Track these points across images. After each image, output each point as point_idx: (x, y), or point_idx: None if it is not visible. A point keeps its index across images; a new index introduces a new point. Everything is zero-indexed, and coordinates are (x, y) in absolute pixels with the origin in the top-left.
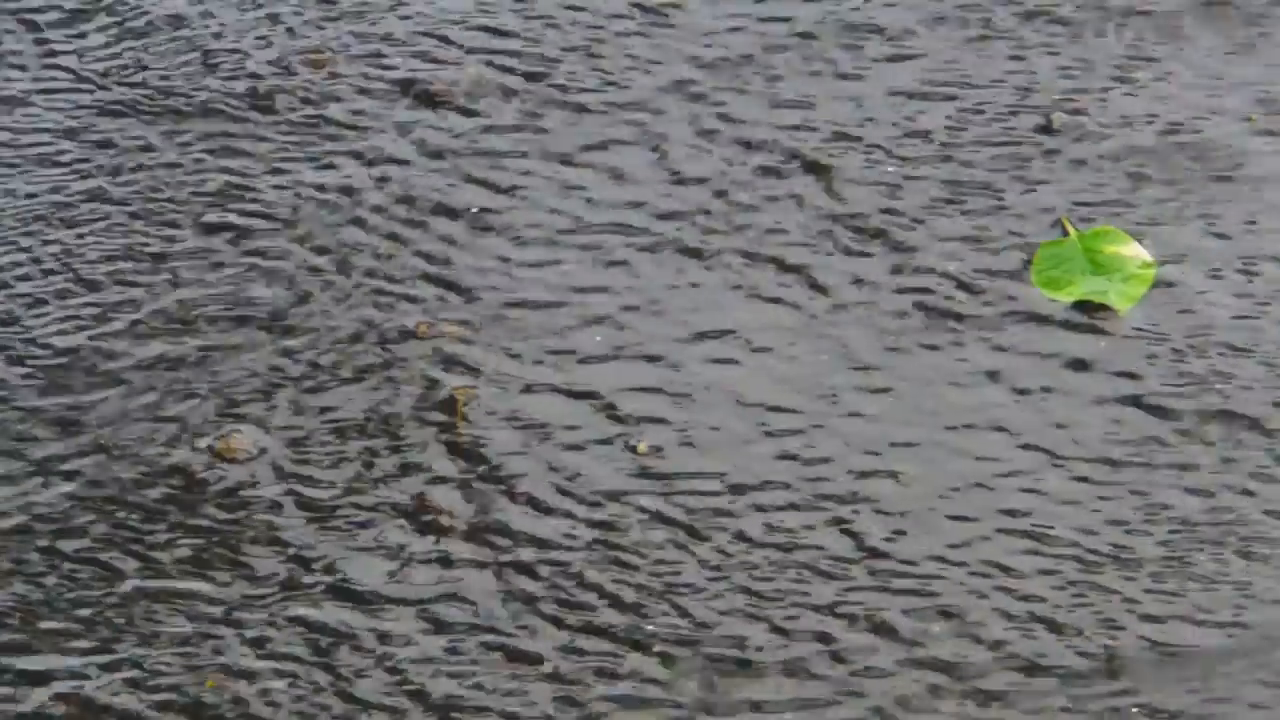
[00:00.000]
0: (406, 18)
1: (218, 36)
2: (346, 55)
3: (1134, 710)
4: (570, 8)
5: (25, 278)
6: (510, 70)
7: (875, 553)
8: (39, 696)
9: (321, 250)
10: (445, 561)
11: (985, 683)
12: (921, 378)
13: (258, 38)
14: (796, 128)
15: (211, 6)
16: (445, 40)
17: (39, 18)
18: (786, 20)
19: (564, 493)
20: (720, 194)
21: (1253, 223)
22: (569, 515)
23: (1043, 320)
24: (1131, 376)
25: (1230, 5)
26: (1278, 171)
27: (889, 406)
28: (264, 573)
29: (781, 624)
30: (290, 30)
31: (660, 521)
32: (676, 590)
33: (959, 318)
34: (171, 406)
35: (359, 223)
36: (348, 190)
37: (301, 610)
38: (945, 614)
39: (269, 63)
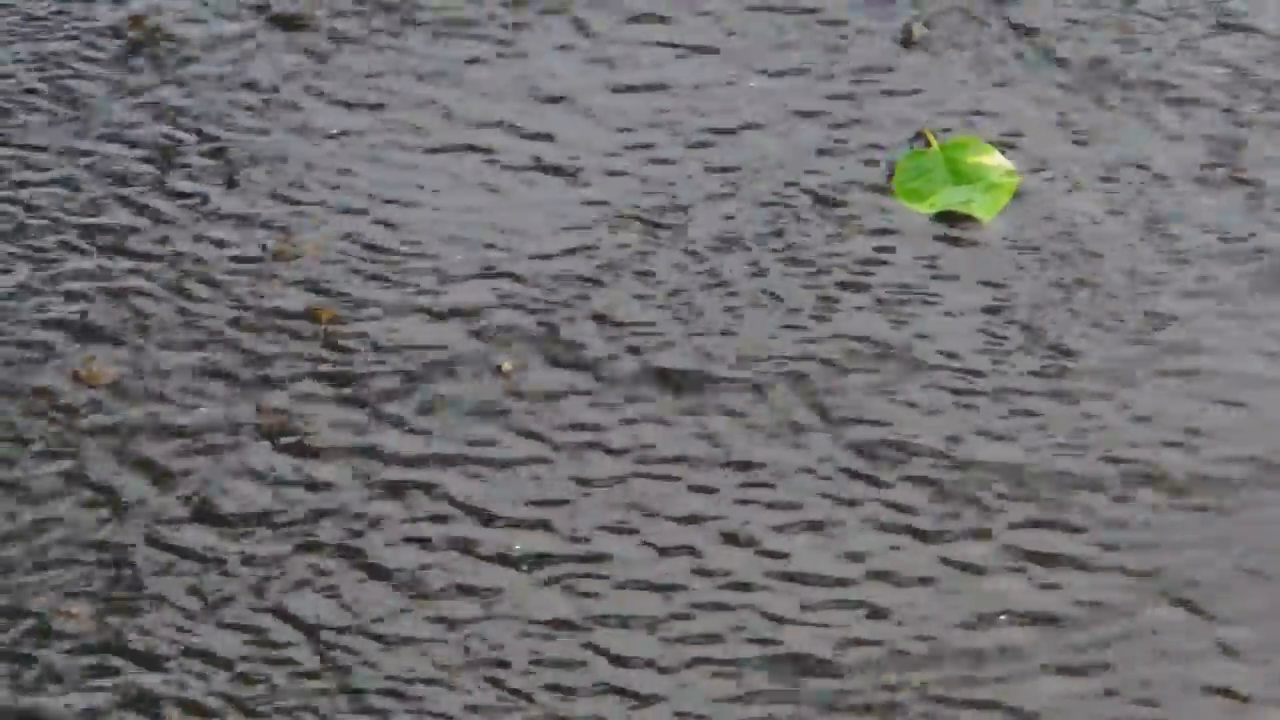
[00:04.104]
0: None
1: None
2: None
3: (1001, 617)
4: None
5: None
6: None
7: (742, 465)
8: None
9: (182, 174)
10: (311, 483)
11: (851, 593)
12: (785, 290)
13: None
14: (657, 44)
15: None
16: None
17: None
18: None
19: (429, 412)
20: (577, 110)
21: (1113, 129)
22: (435, 434)
23: (906, 231)
24: (996, 285)
25: None
26: (1141, 78)
27: (752, 321)
28: (130, 497)
29: (648, 538)
30: None
31: (526, 438)
32: (544, 506)
33: (822, 231)
34: (33, 333)
35: (221, 146)
36: (209, 115)
37: (168, 534)
38: (811, 525)
39: None
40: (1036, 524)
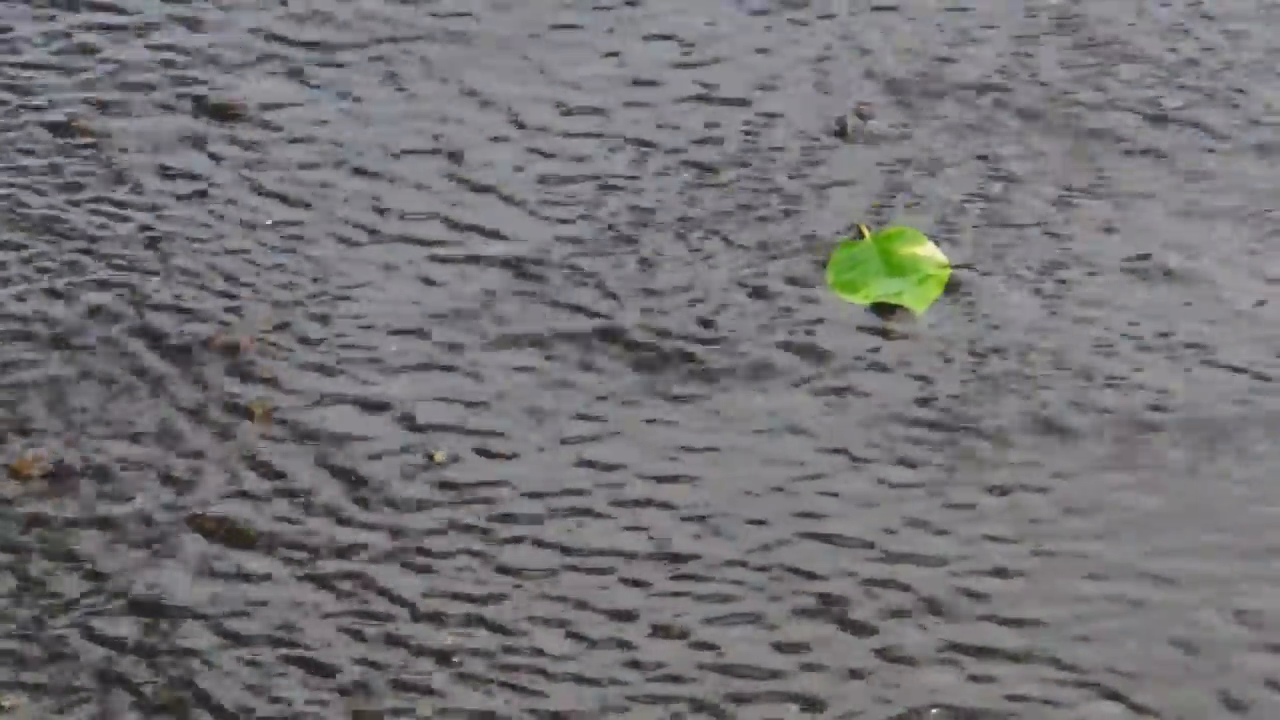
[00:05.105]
0: (199, 30)
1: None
2: (136, 70)
3: (933, 711)
4: (366, 17)
5: None
6: (306, 81)
7: (674, 558)
8: None
9: (116, 265)
10: (243, 574)
11: (785, 685)
12: (720, 383)
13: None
14: (588, 135)
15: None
16: (238, 48)
17: None
18: (579, 28)
19: (362, 503)
20: (512, 202)
21: (1046, 223)
22: (367, 526)
23: (840, 323)
24: (928, 378)
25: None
26: (1073, 169)
27: (686, 411)
28: (61, 590)
29: (580, 631)
30: (84, 48)
31: (458, 530)
32: (475, 599)
33: (755, 322)
34: None
35: (154, 237)
36: (143, 206)
37: (99, 626)
38: (745, 618)
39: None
40: (969, 617)
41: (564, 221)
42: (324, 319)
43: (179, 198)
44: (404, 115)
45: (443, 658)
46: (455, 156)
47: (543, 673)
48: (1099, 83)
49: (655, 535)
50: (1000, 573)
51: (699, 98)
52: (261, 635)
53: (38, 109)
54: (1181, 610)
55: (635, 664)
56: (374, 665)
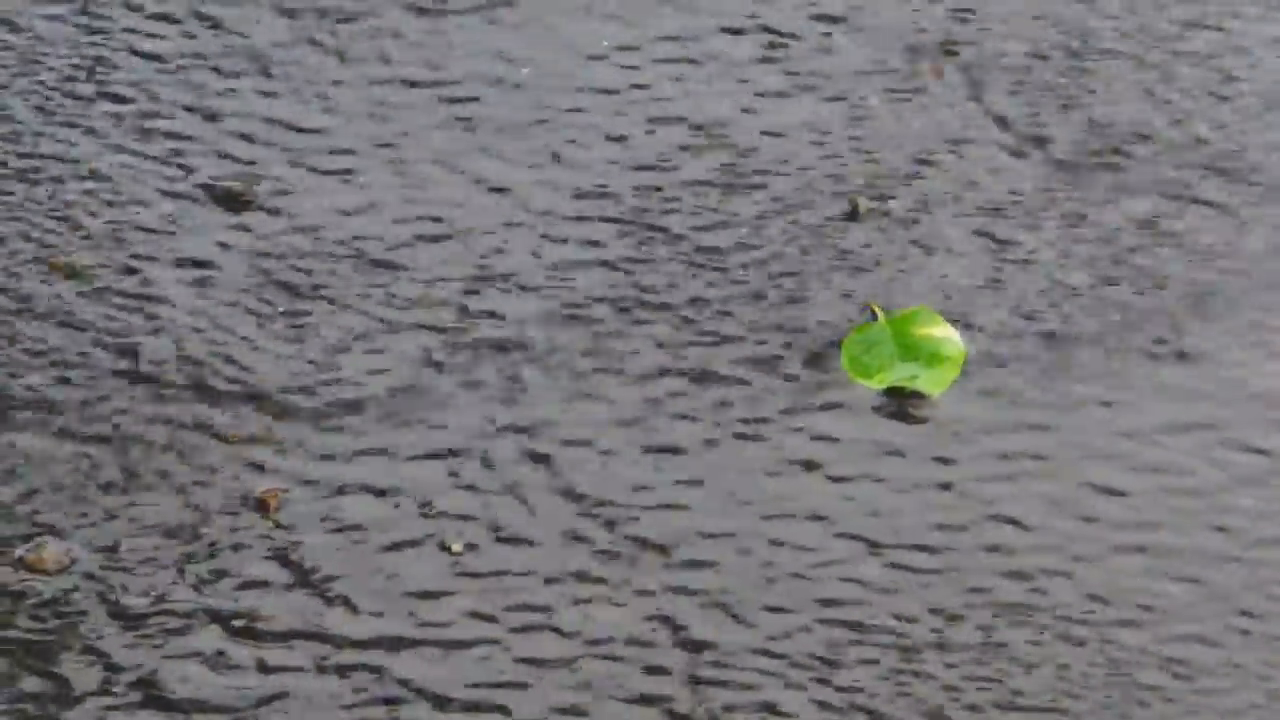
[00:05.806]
0: (210, 119)
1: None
2: (143, 157)
3: None
4: (377, 101)
5: None
6: (313, 169)
7: (694, 645)
8: None
9: (126, 355)
10: (262, 667)
11: None
12: (736, 467)
13: (58, 140)
14: (600, 219)
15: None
16: (247, 139)
17: None
18: (587, 111)
19: (380, 594)
20: (523, 286)
21: (1056, 304)
22: (385, 616)
23: (855, 407)
24: (945, 461)
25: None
26: (1086, 254)
27: (704, 497)
28: (78, 684)
29: None
30: (91, 130)
31: (477, 619)
32: (497, 688)
33: (772, 407)
34: None
35: (166, 327)
36: (153, 295)
37: None
38: (766, 708)
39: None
40: (994, 705)
41: (574, 305)
42: (337, 407)
43: (188, 286)
44: (412, 201)
45: None
46: (465, 243)
47: None
48: (1115, 163)
49: (676, 623)
50: (1024, 663)
51: (708, 181)
52: None
53: (44, 198)
54: (1202, 696)
55: None
56: None
